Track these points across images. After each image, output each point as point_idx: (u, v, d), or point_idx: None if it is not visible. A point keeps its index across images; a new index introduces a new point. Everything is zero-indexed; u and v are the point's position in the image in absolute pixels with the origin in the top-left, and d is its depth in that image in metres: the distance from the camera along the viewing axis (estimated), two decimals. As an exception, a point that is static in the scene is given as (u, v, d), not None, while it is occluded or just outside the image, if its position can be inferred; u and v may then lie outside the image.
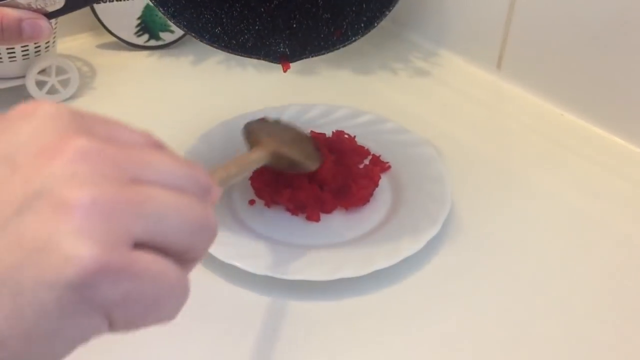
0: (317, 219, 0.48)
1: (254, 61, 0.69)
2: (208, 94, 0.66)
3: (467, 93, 0.68)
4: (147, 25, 0.74)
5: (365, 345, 0.41)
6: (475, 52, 0.71)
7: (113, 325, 0.21)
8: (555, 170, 0.57)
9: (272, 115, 0.58)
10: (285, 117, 0.59)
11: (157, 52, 0.74)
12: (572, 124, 0.63)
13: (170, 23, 0.56)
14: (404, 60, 0.74)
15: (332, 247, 0.46)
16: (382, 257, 0.44)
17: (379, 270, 0.43)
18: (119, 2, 0.72)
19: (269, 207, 0.51)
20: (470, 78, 0.71)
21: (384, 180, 0.52)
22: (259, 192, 0.51)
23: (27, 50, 0.62)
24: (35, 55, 0.63)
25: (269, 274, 0.42)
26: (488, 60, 0.70)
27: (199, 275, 0.43)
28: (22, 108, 0.23)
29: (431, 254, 0.47)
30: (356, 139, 0.56)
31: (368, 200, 0.51)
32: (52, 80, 0.63)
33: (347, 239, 0.47)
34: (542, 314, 0.43)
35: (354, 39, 0.44)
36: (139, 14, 0.73)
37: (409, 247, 0.45)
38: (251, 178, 0.51)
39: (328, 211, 0.50)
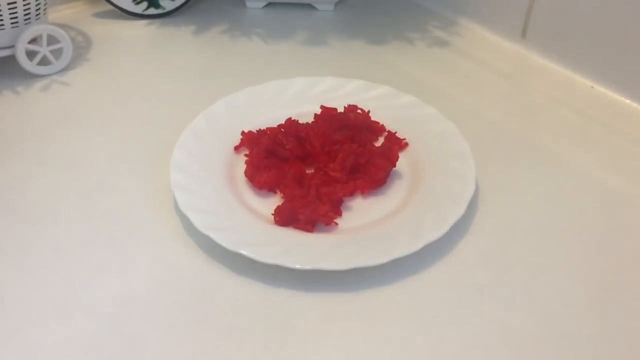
0: (311, 229, 0.44)
1: (260, 31, 0.72)
2: (211, 66, 0.64)
3: (490, 64, 0.66)
4: (145, -8, 0.70)
5: (384, 340, 0.38)
6: (498, 20, 0.69)
7: None
8: (586, 147, 0.55)
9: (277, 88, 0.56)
10: (293, 90, 0.57)
11: (156, 21, 0.72)
12: (603, 97, 0.61)
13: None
14: (421, 30, 0.72)
15: (346, 234, 0.44)
16: (401, 244, 0.42)
17: (399, 259, 0.41)
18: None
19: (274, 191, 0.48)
20: (493, 48, 0.68)
21: (402, 159, 0.50)
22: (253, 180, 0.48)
23: (16, 17, 0.58)
24: (25, 24, 0.59)
25: (278, 262, 0.41)
26: (512, 28, 0.68)
27: (200, 265, 0.43)
28: None
29: (455, 240, 0.45)
30: (370, 114, 0.54)
31: (385, 182, 0.48)
32: (44, 50, 0.61)
33: (363, 224, 0.45)
34: (578, 302, 0.41)
35: None
36: (137, -20, 0.70)
37: (431, 232, 0.43)
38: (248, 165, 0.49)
39: (348, 194, 0.47)
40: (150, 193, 0.48)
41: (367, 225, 0.45)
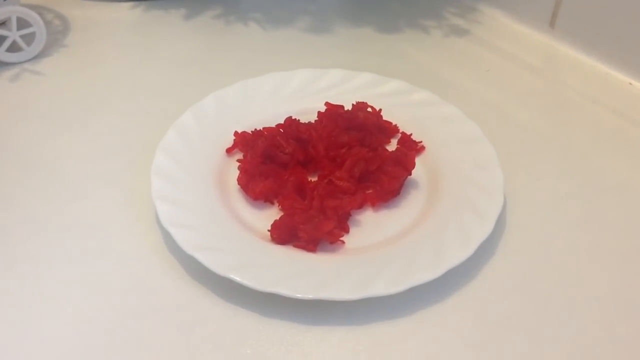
0: (314, 249, 0.41)
1: (258, 16, 0.68)
2: (202, 56, 0.62)
3: (515, 56, 0.63)
4: (131, -28, 0.67)
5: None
6: (524, 6, 0.66)
7: None
8: (626, 152, 0.51)
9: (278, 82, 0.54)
10: (294, 84, 0.54)
11: (142, 4, 0.69)
12: (643, 95, 0.57)
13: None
14: (437, 17, 0.69)
15: (354, 254, 0.41)
16: (419, 268, 0.38)
17: (416, 287, 0.38)
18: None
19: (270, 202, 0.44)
20: (518, 38, 0.66)
21: (418, 166, 0.46)
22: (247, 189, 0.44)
23: (-18, -2, 0.55)
24: (-8, 5, 0.56)
25: (275, 290, 0.37)
26: (540, 16, 0.65)
27: (184, 291, 0.38)
28: None
29: (480, 262, 0.41)
30: (382, 113, 0.51)
31: (399, 193, 0.45)
32: (13, 35, 0.57)
33: (374, 242, 0.42)
34: (625, 341, 0.37)
35: None
36: (121, -43, 0.67)
37: (454, 254, 0.39)
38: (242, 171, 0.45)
39: (357, 207, 0.44)
40: (128, 202, 0.44)
41: (379, 244, 0.42)
